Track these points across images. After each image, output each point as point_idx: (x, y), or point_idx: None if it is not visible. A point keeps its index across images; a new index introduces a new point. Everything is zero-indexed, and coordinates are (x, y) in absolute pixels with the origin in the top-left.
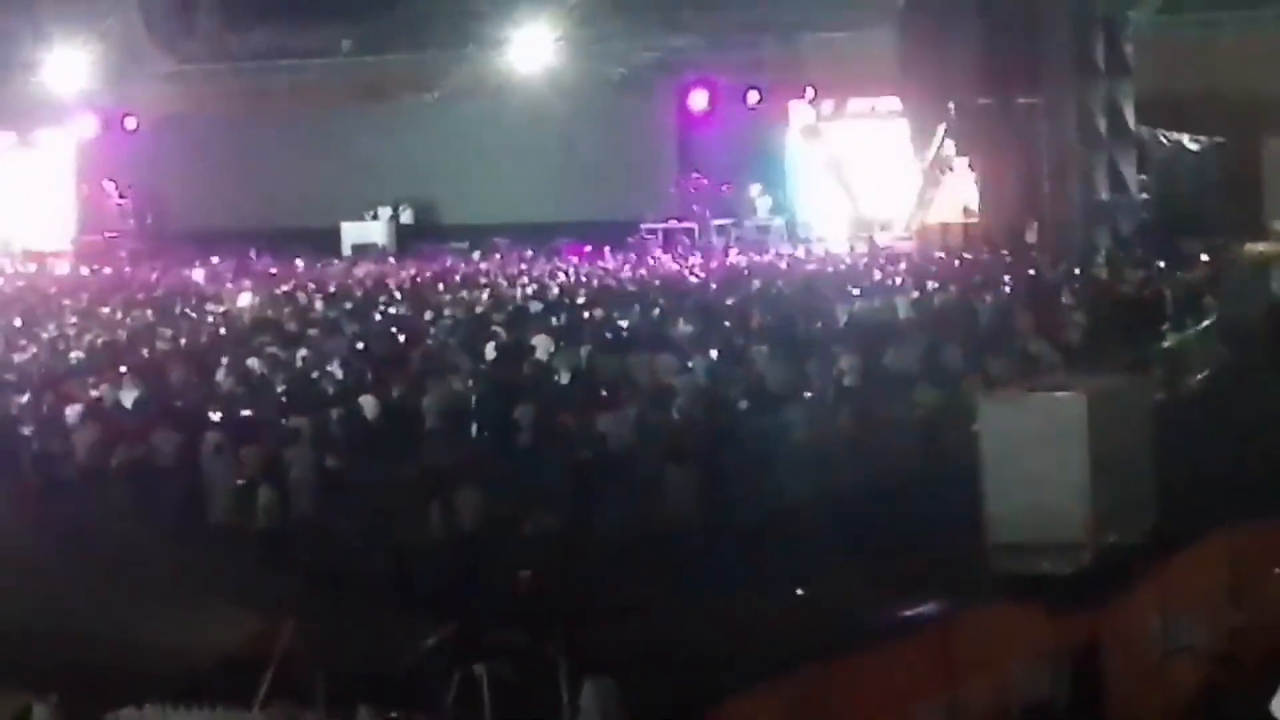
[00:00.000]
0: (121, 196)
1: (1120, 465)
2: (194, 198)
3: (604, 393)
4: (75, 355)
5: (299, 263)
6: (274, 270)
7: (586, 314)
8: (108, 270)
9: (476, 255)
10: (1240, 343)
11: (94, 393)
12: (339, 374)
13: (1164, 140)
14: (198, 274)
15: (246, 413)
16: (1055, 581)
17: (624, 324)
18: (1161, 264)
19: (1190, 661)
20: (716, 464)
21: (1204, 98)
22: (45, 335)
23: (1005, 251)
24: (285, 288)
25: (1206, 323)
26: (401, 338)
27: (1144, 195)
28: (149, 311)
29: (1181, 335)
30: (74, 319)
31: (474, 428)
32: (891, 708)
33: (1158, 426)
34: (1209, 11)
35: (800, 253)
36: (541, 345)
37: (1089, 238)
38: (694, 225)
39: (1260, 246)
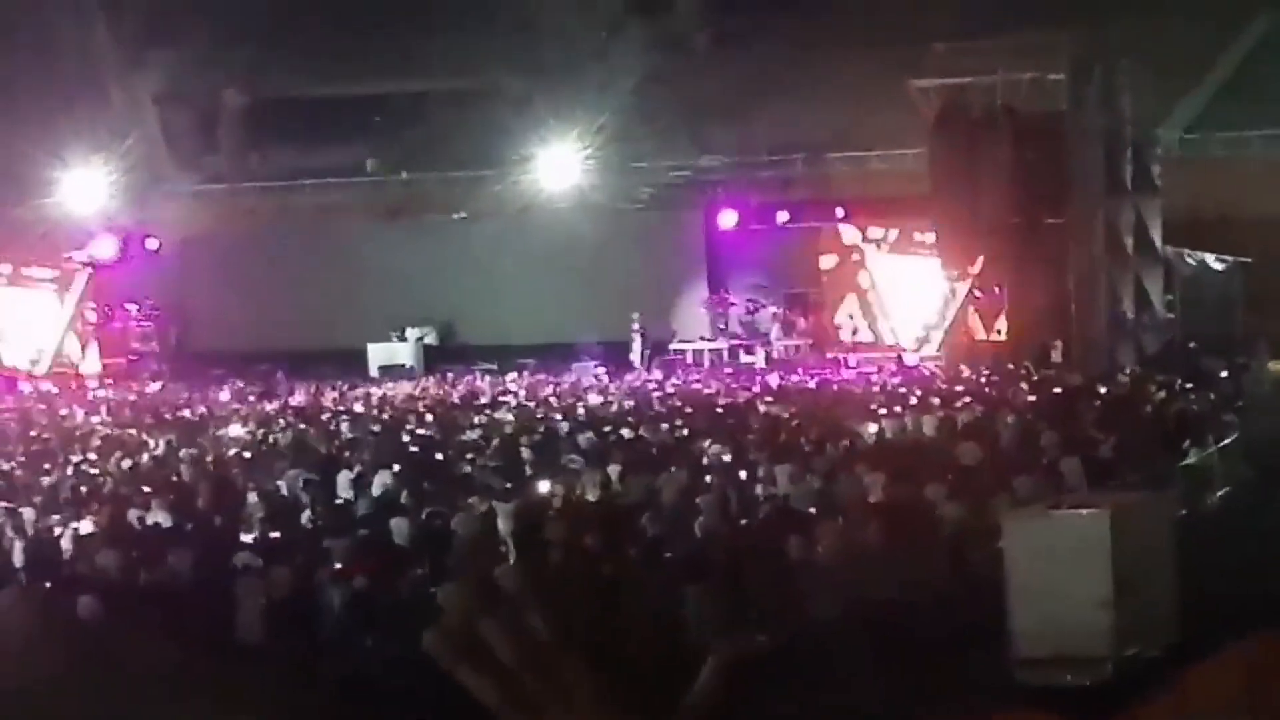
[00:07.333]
0: (145, 318)
1: (1143, 580)
2: (218, 318)
3: (632, 511)
4: (102, 478)
5: (322, 385)
6: (299, 392)
7: (615, 433)
8: (132, 393)
9: (504, 375)
10: (1262, 461)
11: (121, 515)
12: (368, 495)
13: (1189, 259)
14: (224, 395)
15: (275, 534)
16: (1078, 693)
17: (652, 442)
18: (1185, 382)
19: None
20: (740, 581)
21: (1229, 217)
22: (73, 458)
23: (1031, 370)
24: (310, 409)
25: (1228, 440)
26: (430, 458)
27: (1169, 314)
28: (175, 434)
29: (1204, 453)
30: (99, 441)
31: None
32: None
33: (1180, 543)
34: (1234, 131)
35: (828, 372)
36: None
37: (1114, 355)
38: (723, 344)
39: None
